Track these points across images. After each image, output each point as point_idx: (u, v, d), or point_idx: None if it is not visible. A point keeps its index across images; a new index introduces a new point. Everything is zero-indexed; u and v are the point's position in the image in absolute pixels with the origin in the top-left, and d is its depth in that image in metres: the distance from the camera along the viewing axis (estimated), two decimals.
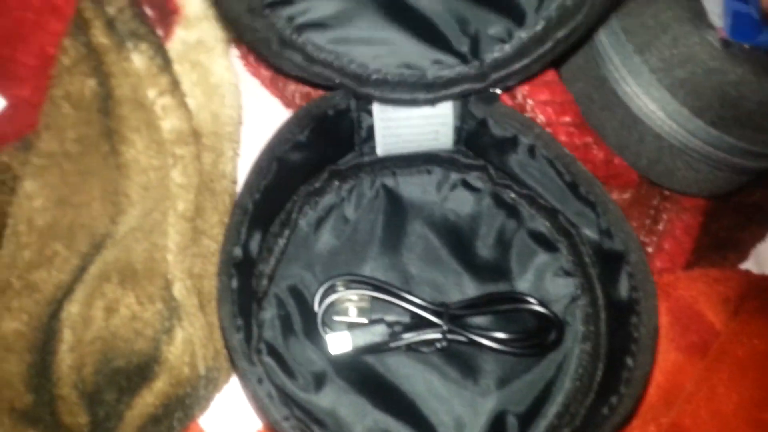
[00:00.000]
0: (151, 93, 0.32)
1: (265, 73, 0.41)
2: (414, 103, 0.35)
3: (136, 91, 0.31)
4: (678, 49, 0.37)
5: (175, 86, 0.32)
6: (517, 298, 0.37)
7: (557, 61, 0.38)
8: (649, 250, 0.41)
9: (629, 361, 0.31)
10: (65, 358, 0.31)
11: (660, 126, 0.38)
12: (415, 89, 0.35)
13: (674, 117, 0.38)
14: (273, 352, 0.35)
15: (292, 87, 0.42)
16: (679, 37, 0.37)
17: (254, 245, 0.34)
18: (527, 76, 0.36)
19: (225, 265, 0.30)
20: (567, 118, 0.40)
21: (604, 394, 0.32)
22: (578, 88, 0.41)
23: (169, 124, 0.32)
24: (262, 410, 0.29)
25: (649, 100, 0.38)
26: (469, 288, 0.38)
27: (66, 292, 0.31)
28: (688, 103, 0.37)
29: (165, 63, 0.32)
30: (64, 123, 0.31)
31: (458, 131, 0.38)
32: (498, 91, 0.36)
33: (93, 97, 0.31)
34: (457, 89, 0.35)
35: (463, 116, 0.37)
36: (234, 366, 0.31)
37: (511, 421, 0.35)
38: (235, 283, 0.31)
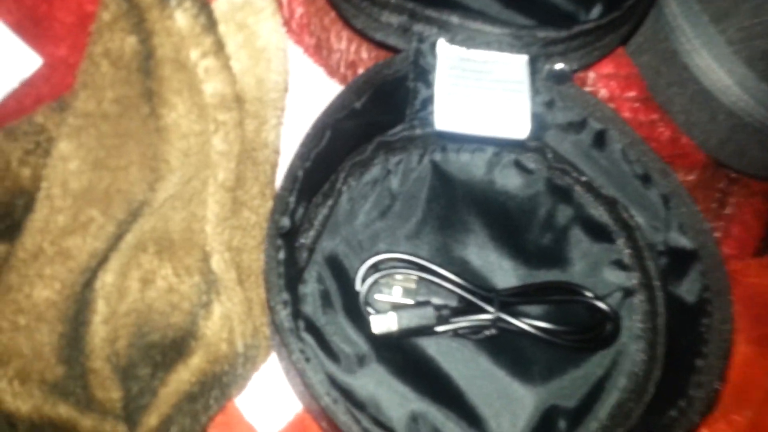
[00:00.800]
0: (194, 54, 0.30)
1: (309, 40, 0.39)
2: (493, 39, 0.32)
3: (178, 52, 0.29)
4: (759, 18, 0.34)
5: (219, 48, 0.30)
6: (573, 289, 0.35)
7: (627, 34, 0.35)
8: (716, 235, 0.39)
9: (699, 363, 0.30)
10: (98, 330, 0.30)
11: (735, 102, 0.35)
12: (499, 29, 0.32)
13: (752, 92, 0.35)
14: (312, 328, 0.34)
15: (337, 55, 0.40)
16: (761, 5, 0.34)
17: (299, 216, 0.33)
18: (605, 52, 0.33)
19: (272, 236, 0.29)
20: (632, 93, 0.38)
21: (669, 396, 0.30)
22: (645, 61, 0.38)
23: (212, 87, 0.30)
24: (310, 391, 0.27)
25: (725, 74, 0.35)
26: (517, 275, 0.36)
27: (100, 261, 0.29)
28: None
29: (209, 23, 0.30)
30: (102, 82, 0.29)
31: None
32: (570, 68, 0.33)
33: (133, 55, 0.29)
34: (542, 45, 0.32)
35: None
36: (279, 343, 0.29)
37: (561, 418, 0.33)
38: (282, 255, 0.29)
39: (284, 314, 0.28)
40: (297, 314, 0.29)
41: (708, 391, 0.29)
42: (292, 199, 0.30)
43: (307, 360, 0.28)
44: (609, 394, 0.34)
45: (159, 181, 0.29)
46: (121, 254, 0.30)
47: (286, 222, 0.30)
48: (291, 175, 0.30)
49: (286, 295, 0.29)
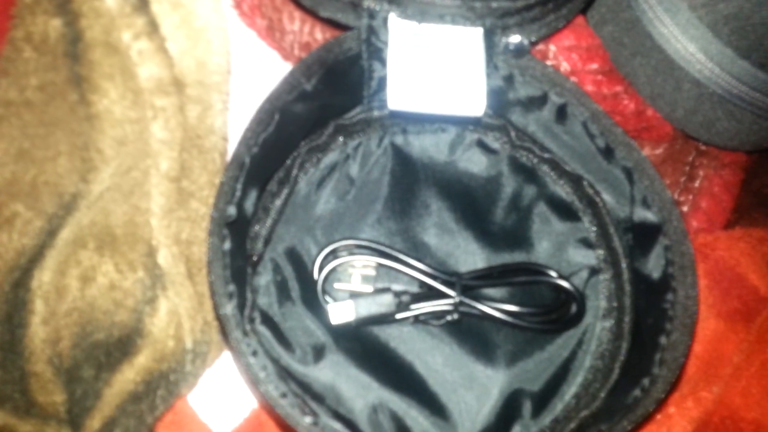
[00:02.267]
0: (126, 36, 0.28)
1: (261, 22, 0.37)
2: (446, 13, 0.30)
3: (108, 34, 0.28)
4: None
5: (153, 29, 0.28)
6: (536, 269, 0.34)
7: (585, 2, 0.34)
8: (684, 209, 0.38)
9: (663, 340, 0.29)
10: (38, 331, 0.28)
11: (700, 70, 0.34)
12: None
13: (717, 59, 0.34)
14: (268, 320, 0.33)
15: (290, 37, 0.38)
16: None
17: (249, 204, 0.31)
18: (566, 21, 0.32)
19: (217, 225, 0.27)
20: (594, 65, 0.36)
21: (634, 375, 0.29)
22: (607, 31, 0.37)
23: (147, 71, 0.28)
24: (257, 386, 0.26)
25: (688, 41, 0.34)
26: (482, 257, 0.35)
27: (32, 258, 0.28)
28: (732, 43, 0.33)
29: (141, 2, 0.28)
30: (25, 68, 0.27)
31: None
32: (528, 40, 0.32)
33: (59, 39, 0.28)
34: (497, 17, 0.31)
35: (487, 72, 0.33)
36: (226, 337, 0.28)
37: (526, 401, 0.33)
38: (227, 245, 0.28)
39: (229, 307, 0.27)
40: (243, 306, 0.28)
41: (672, 369, 0.29)
42: (239, 186, 0.29)
43: (254, 354, 0.27)
44: (575, 375, 0.33)
45: (92, 171, 0.28)
46: (57, 251, 0.28)
47: (232, 211, 0.28)
48: (237, 161, 0.29)
49: (231, 287, 0.27)
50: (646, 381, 0.28)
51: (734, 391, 0.30)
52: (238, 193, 0.29)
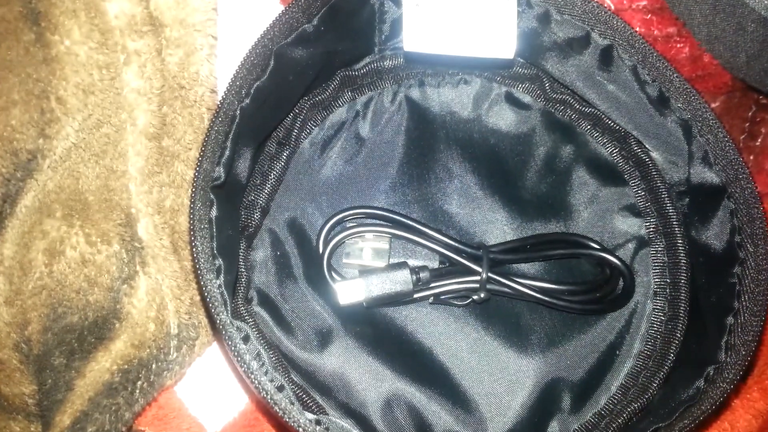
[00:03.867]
0: None
1: None
2: None
3: None
4: None
5: None
6: (575, 240, 0.30)
7: None
8: None
9: (730, 321, 0.25)
10: (1, 312, 0.25)
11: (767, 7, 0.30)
12: None
13: None
14: (266, 301, 0.29)
15: None
16: None
17: (243, 167, 0.27)
18: None
19: (200, 188, 0.23)
20: (643, 2, 0.32)
21: (694, 362, 0.25)
22: None
23: (117, 6, 0.24)
24: (248, 377, 0.22)
25: None
26: (512, 228, 0.31)
27: None
28: None
29: None
30: None
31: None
32: None
33: None
34: None
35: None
36: (212, 320, 0.24)
37: (564, 393, 0.28)
38: (214, 212, 0.24)
39: (215, 284, 0.22)
40: (235, 284, 0.24)
41: (742, 355, 0.24)
42: (228, 144, 0.25)
43: (245, 339, 0.23)
44: (621, 363, 0.29)
45: (52, 124, 0.24)
46: (20, 221, 0.25)
47: (219, 172, 0.24)
48: (225, 113, 0.24)
49: (218, 261, 0.23)
50: (710, 369, 0.24)
51: None
52: (227, 152, 0.25)
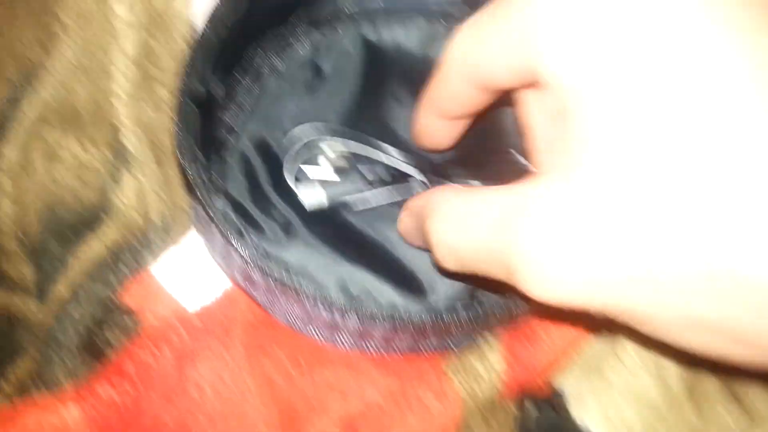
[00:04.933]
0: None
1: None
2: None
3: None
4: None
5: None
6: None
7: None
8: None
9: None
10: (5, 209, 0.29)
11: None
12: None
13: None
14: (238, 207, 0.33)
15: None
16: None
17: (215, 90, 0.32)
18: None
19: (183, 93, 0.28)
20: None
21: None
22: None
23: None
24: (229, 247, 0.27)
25: None
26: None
27: None
28: None
29: None
30: None
31: None
32: None
33: None
34: None
35: None
36: (195, 201, 0.28)
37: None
38: (194, 115, 0.28)
39: (196, 168, 0.27)
40: (210, 175, 0.29)
41: None
42: (205, 63, 0.29)
43: (225, 216, 0.27)
44: None
45: (53, 40, 0.28)
46: (23, 128, 0.29)
47: (198, 86, 0.29)
48: (205, 39, 0.29)
49: (199, 154, 0.28)
50: None
51: None
52: (205, 70, 0.29)
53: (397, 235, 0.34)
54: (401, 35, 0.37)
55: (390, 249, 0.34)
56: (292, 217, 0.34)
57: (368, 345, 0.30)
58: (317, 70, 0.36)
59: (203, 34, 0.29)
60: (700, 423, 0.28)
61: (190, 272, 0.32)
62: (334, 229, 0.34)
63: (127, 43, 0.30)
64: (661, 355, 0.29)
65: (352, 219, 0.34)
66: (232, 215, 0.27)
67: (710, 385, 0.28)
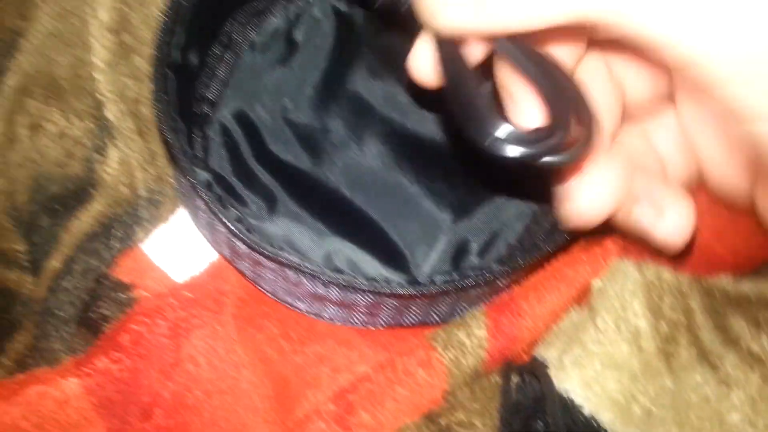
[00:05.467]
0: None
1: None
2: None
3: None
4: None
5: None
6: None
7: None
8: None
9: None
10: None
11: None
12: None
13: None
14: (221, 180, 0.33)
15: None
16: None
17: (193, 61, 0.31)
18: None
19: (160, 62, 0.27)
20: None
21: None
22: None
23: None
24: (211, 211, 0.26)
25: None
26: (428, 114, 0.36)
27: None
28: None
29: None
30: None
31: None
32: None
33: None
34: None
35: None
36: (178, 172, 0.28)
37: (472, 244, 0.34)
38: (173, 84, 0.28)
39: (176, 138, 0.27)
40: (192, 145, 0.28)
41: None
42: (180, 30, 0.29)
43: (208, 186, 0.27)
44: (518, 221, 0.35)
45: (30, 8, 0.27)
46: (6, 99, 0.28)
47: (174, 54, 0.29)
48: (176, 4, 0.29)
49: (180, 124, 0.28)
50: None
51: None
52: (181, 38, 0.29)
53: (383, 202, 0.34)
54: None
55: (376, 219, 0.34)
56: (276, 189, 0.34)
57: (354, 318, 0.30)
58: (290, 42, 0.36)
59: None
60: (677, 389, 0.29)
61: (179, 245, 0.32)
62: (320, 198, 0.34)
63: (101, 10, 0.29)
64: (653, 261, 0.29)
65: (339, 187, 0.34)
66: (217, 187, 0.27)
67: (686, 352, 0.29)
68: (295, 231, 0.33)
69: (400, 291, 0.27)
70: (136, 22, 0.31)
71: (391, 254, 0.33)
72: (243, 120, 0.35)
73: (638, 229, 0.24)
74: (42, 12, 0.28)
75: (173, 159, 0.27)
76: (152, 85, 0.27)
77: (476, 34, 0.19)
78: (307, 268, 0.26)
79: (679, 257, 0.31)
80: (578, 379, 0.29)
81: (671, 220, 0.23)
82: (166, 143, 0.27)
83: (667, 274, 0.30)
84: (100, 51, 0.30)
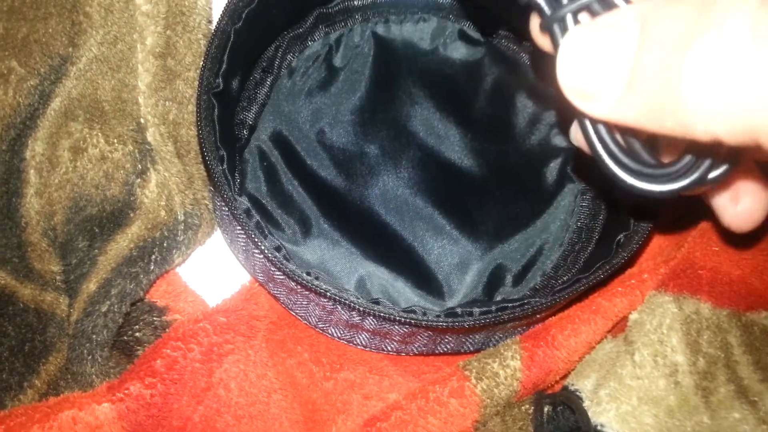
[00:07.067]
0: None
1: None
2: None
3: None
4: None
5: None
6: None
7: None
8: None
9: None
10: (32, 202, 0.29)
11: None
12: None
13: None
14: (256, 204, 0.34)
15: None
16: None
17: (235, 86, 0.32)
18: None
19: (203, 93, 0.28)
20: None
21: (610, 237, 0.31)
22: None
23: None
24: (250, 239, 0.27)
25: None
26: (465, 143, 0.36)
27: (26, 120, 0.28)
28: None
29: None
30: None
31: None
32: None
33: None
34: None
35: None
36: (217, 199, 0.28)
37: (507, 274, 0.34)
38: (216, 112, 0.28)
39: (219, 168, 0.27)
40: (233, 171, 0.29)
41: (648, 222, 0.29)
42: (225, 59, 0.29)
43: (247, 212, 0.27)
44: (554, 250, 0.35)
45: (80, 35, 0.28)
46: (49, 122, 0.29)
47: (219, 82, 0.29)
48: (221, 32, 0.29)
49: (222, 152, 0.28)
50: (621, 237, 0.30)
51: (696, 247, 0.32)
52: (224, 66, 0.29)
53: (417, 229, 0.34)
54: (411, 31, 0.37)
55: (412, 244, 0.34)
56: (311, 211, 0.34)
57: (387, 345, 0.30)
58: (330, 67, 0.36)
59: (218, 26, 0.29)
60: (715, 425, 0.28)
61: (214, 268, 0.32)
62: (355, 221, 0.34)
63: (148, 36, 0.30)
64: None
65: (374, 211, 0.34)
66: (255, 214, 0.27)
67: (724, 388, 0.29)
68: (329, 255, 0.33)
69: (437, 324, 0.27)
70: (180, 48, 0.31)
71: (424, 279, 0.33)
72: (280, 142, 0.35)
73: (713, 209, 0.25)
74: (91, 38, 0.28)
75: (216, 187, 0.27)
76: (196, 112, 0.27)
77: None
78: (344, 298, 0.26)
79: (717, 293, 0.30)
80: (614, 413, 0.28)
81: (745, 204, 0.24)
82: (209, 171, 0.27)
83: (705, 308, 0.30)
84: (144, 75, 0.30)
